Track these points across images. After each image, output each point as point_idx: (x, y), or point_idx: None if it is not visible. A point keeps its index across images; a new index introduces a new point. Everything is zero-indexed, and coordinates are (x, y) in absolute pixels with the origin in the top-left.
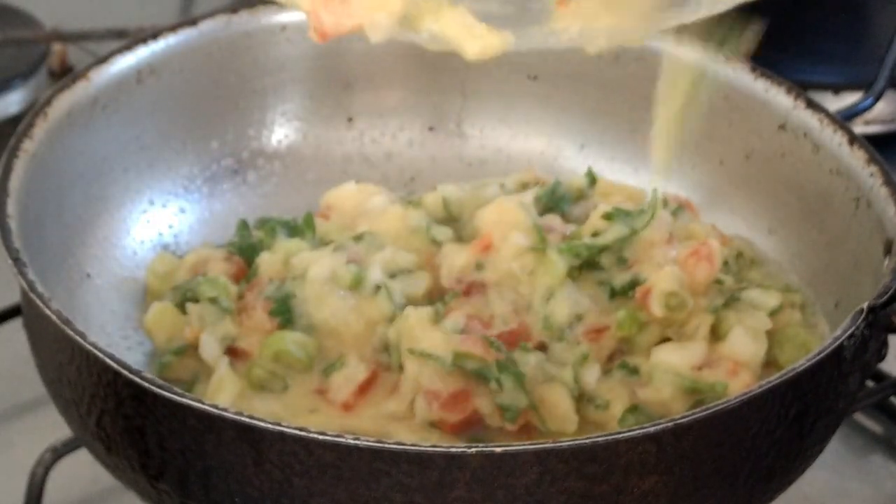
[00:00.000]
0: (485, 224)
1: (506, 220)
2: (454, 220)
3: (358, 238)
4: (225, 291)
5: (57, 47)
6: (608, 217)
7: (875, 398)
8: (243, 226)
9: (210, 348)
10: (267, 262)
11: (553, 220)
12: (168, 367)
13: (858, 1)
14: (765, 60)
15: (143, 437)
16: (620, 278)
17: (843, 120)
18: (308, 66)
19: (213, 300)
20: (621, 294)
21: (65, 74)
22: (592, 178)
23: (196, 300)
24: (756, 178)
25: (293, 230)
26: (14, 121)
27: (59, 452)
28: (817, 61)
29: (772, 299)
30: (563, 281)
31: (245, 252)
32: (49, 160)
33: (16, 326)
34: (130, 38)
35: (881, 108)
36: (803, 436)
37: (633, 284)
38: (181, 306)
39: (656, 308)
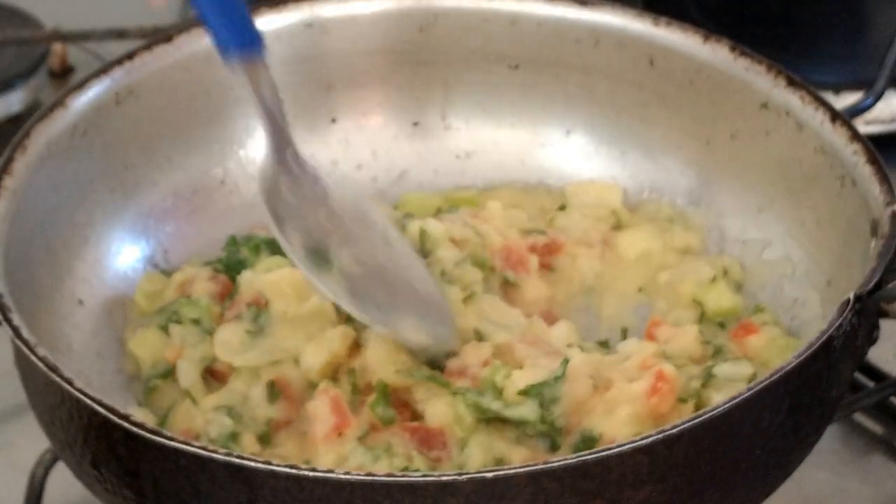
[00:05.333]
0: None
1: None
2: (427, 255)
3: None
4: (207, 313)
5: (57, 47)
6: (524, 393)
7: (875, 398)
8: (232, 242)
9: (186, 375)
10: (247, 280)
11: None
12: (155, 390)
13: (858, 1)
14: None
15: (138, 479)
16: (567, 440)
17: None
18: (288, 71)
19: (196, 321)
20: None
21: (65, 74)
22: (562, 207)
23: (180, 322)
24: (743, 157)
25: (276, 247)
26: (14, 120)
27: None
28: (817, 61)
29: (745, 368)
30: (474, 429)
31: (232, 269)
32: (31, 193)
33: None
34: (130, 38)
35: (881, 108)
36: (797, 429)
37: (590, 442)
38: (166, 328)
39: None
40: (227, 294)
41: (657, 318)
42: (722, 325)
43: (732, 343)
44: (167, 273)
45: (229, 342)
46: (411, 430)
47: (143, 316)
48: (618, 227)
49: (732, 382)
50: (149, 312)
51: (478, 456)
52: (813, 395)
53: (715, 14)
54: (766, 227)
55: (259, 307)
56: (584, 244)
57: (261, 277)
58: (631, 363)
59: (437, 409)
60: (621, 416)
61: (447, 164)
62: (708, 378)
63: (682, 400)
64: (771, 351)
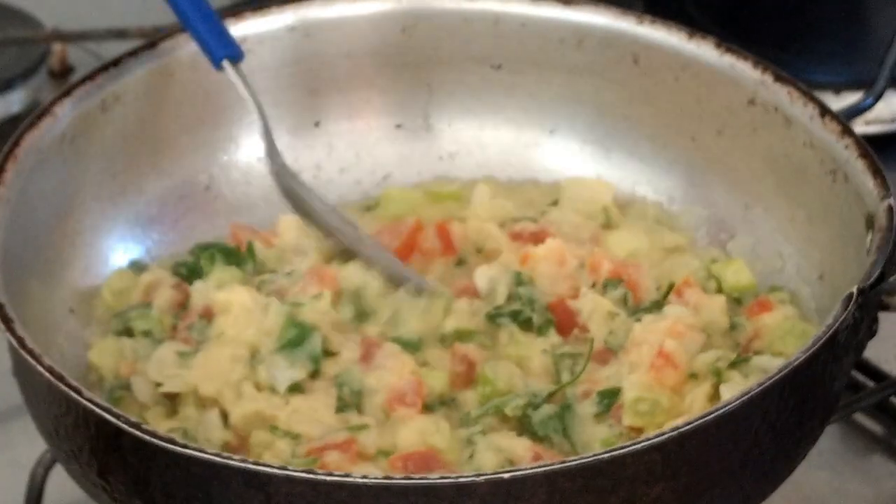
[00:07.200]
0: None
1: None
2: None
3: (289, 275)
4: (159, 324)
5: (57, 47)
6: None
7: (875, 398)
8: (196, 249)
9: (142, 391)
10: (199, 291)
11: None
12: (121, 400)
13: (858, 1)
14: (765, 60)
15: (148, 487)
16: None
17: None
18: (271, 76)
19: (147, 333)
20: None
21: (65, 74)
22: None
23: (131, 334)
24: (729, 153)
25: (231, 257)
26: (14, 120)
27: None
28: (817, 61)
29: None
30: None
31: (192, 277)
32: (23, 202)
33: None
34: (130, 38)
35: (881, 108)
36: (802, 422)
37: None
38: (122, 334)
39: (628, 418)
40: (184, 303)
41: (690, 279)
42: (738, 301)
43: (747, 321)
44: (139, 270)
45: (163, 362)
46: (403, 459)
47: (108, 312)
48: (607, 225)
49: (762, 374)
50: (114, 309)
51: (490, 459)
52: (817, 389)
53: (715, 14)
54: (755, 224)
55: (209, 320)
56: (574, 241)
57: (212, 292)
58: (659, 326)
59: (410, 435)
60: (632, 379)
61: (431, 166)
62: (741, 362)
63: (693, 376)
64: (780, 331)
